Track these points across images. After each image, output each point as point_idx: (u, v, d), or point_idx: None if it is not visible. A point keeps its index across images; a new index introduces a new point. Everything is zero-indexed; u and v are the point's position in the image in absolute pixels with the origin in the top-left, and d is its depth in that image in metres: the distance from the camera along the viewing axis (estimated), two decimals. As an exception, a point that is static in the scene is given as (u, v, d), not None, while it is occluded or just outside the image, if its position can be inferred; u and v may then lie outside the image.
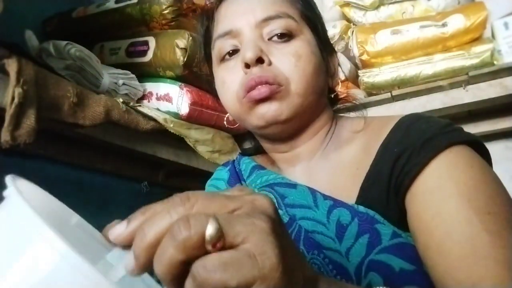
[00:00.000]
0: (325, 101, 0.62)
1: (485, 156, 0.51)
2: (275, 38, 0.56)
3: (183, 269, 0.25)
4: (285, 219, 0.56)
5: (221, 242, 0.25)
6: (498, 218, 0.44)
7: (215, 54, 0.61)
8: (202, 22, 0.66)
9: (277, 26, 0.56)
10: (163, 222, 0.26)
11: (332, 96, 0.65)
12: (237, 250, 0.25)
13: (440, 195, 0.46)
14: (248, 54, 0.54)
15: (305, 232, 0.53)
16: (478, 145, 0.51)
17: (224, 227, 0.25)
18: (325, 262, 0.50)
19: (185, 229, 0.25)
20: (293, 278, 0.27)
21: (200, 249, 0.25)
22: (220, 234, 0.25)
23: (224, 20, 0.60)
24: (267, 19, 0.56)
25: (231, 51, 0.59)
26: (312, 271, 0.31)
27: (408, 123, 0.54)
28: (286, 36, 0.56)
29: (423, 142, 0.50)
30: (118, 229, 0.27)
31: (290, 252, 0.28)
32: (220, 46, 0.59)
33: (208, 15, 0.65)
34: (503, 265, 0.40)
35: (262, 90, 0.53)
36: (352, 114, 0.67)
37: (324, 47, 0.62)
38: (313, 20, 0.60)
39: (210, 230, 0.24)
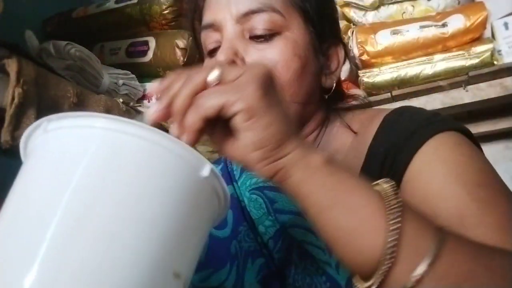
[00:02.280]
0: (314, 105, 0.57)
1: (474, 142, 0.50)
2: (255, 37, 0.52)
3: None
4: (276, 226, 0.53)
5: (220, 83, 0.34)
6: (488, 188, 0.43)
7: (202, 45, 0.58)
8: (192, 7, 0.62)
9: (258, 23, 0.51)
10: (185, 77, 0.35)
11: (327, 96, 0.58)
12: (230, 84, 0.34)
13: (429, 174, 0.45)
14: (220, 57, 0.51)
15: (296, 242, 0.51)
16: (464, 132, 0.50)
17: (224, 72, 0.34)
18: (318, 273, 0.49)
19: (195, 75, 0.34)
20: (271, 109, 0.34)
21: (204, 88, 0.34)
22: (218, 77, 0.34)
23: (208, 10, 0.56)
24: (249, 13, 0.52)
25: (214, 48, 0.55)
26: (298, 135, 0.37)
27: (392, 120, 0.52)
28: (267, 36, 0.52)
29: (406, 138, 0.48)
30: (154, 85, 0.36)
31: (275, 97, 0.36)
32: (204, 39, 0.57)
33: (198, 1, 0.60)
34: (492, 229, 0.39)
35: None
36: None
37: (322, 41, 0.56)
38: (307, 10, 0.54)
39: (212, 75, 0.34)
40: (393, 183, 0.36)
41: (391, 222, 0.32)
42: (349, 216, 0.34)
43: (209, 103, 0.33)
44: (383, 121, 0.53)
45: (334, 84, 0.58)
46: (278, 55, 0.51)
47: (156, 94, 0.36)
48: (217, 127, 0.36)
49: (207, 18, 0.55)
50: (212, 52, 0.55)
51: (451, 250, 0.33)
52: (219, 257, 0.54)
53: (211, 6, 0.55)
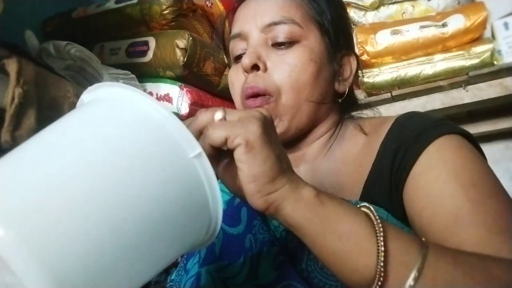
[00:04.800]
0: (328, 107, 0.63)
1: (476, 147, 0.54)
2: (276, 44, 0.60)
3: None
4: None
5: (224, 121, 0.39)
6: (483, 188, 0.46)
7: (230, 53, 0.66)
8: (223, 21, 0.71)
9: (280, 32, 0.59)
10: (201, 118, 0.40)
11: (340, 100, 0.64)
12: (233, 121, 0.39)
13: (430, 176, 0.49)
14: (245, 61, 0.58)
15: None
16: (468, 137, 0.53)
17: (227, 114, 0.40)
18: None
19: (204, 115, 0.40)
20: (269, 145, 0.38)
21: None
22: (223, 117, 0.39)
23: (236, 23, 0.64)
24: (272, 24, 0.59)
25: (240, 54, 0.62)
26: (292, 168, 0.42)
27: (402, 121, 0.57)
28: (287, 43, 0.59)
29: (415, 136, 0.52)
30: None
31: (273, 137, 0.40)
32: (232, 47, 0.64)
33: (229, 15, 0.69)
34: (484, 228, 0.43)
35: (257, 102, 0.58)
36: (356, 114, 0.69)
37: (336, 51, 0.62)
38: (324, 24, 0.61)
39: (217, 115, 0.39)
40: (372, 207, 0.41)
41: (380, 243, 0.37)
42: (342, 242, 0.38)
43: (216, 134, 0.38)
44: (394, 122, 0.58)
45: (347, 90, 0.64)
46: (297, 59, 0.58)
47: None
48: (222, 163, 0.42)
49: (235, 29, 0.64)
50: (238, 58, 0.63)
51: (434, 262, 0.37)
52: (233, 252, 0.57)
53: (239, 18, 0.64)
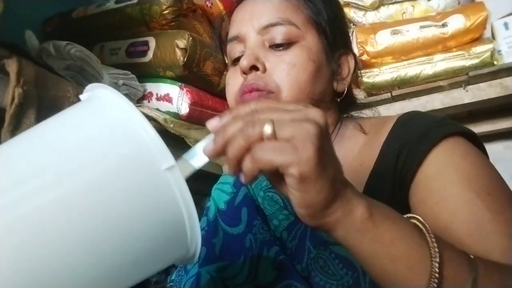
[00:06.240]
0: (326, 106, 0.63)
1: (479, 147, 0.54)
2: (274, 46, 0.60)
3: (245, 155, 0.35)
4: (291, 219, 0.56)
5: (274, 138, 0.34)
6: (497, 197, 0.47)
7: (227, 56, 0.66)
8: (220, 24, 0.71)
9: (277, 34, 0.59)
10: (238, 125, 0.35)
11: (339, 100, 0.64)
12: (286, 142, 0.34)
13: (442, 180, 0.49)
14: (243, 62, 0.58)
15: (310, 230, 0.54)
16: (471, 136, 0.54)
17: (277, 128, 0.34)
18: (331, 257, 0.51)
19: (251, 128, 0.34)
20: (324, 172, 0.34)
21: (259, 142, 0.34)
22: (273, 133, 0.34)
23: (233, 25, 0.64)
24: (269, 26, 0.60)
25: (238, 57, 0.62)
26: (345, 179, 0.38)
27: (405, 120, 0.58)
28: (285, 44, 0.59)
29: (419, 136, 0.53)
30: (214, 121, 0.37)
31: (328, 154, 0.35)
32: (229, 50, 0.64)
33: (224, 18, 0.69)
34: (508, 238, 0.44)
35: (252, 95, 0.57)
36: (356, 114, 0.69)
37: (334, 50, 0.62)
38: (321, 24, 0.61)
39: (267, 129, 0.34)
40: (424, 223, 0.39)
41: (435, 269, 0.36)
42: (394, 264, 0.37)
43: (266, 159, 0.34)
44: (397, 121, 0.58)
45: (346, 89, 0.64)
46: (295, 59, 0.58)
47: (212, 130, 0.37)
48: None
49: (233, 31, 0.64)
50: (236, 61, 0.63)
51: (483, 280, 0.37)
52: (233, 252, 0.57)
53: (236, 21, 0.64)
